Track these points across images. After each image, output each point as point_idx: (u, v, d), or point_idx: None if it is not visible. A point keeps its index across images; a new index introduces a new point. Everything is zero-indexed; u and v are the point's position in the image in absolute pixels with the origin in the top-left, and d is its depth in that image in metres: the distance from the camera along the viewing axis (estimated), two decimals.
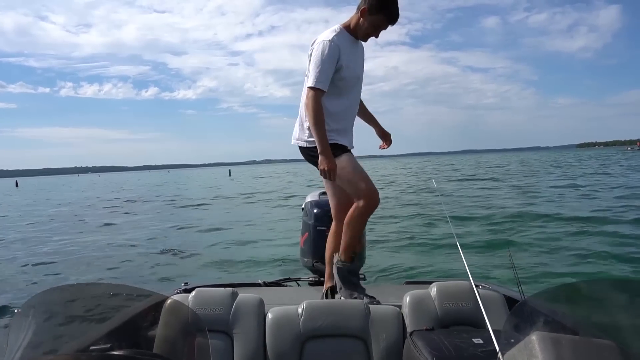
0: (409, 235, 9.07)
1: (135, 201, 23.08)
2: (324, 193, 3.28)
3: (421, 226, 10.11)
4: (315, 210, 3.09)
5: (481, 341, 1.50)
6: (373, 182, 2.51)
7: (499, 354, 0.92)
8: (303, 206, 3.25)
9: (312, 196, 3.23)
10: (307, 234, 3.12)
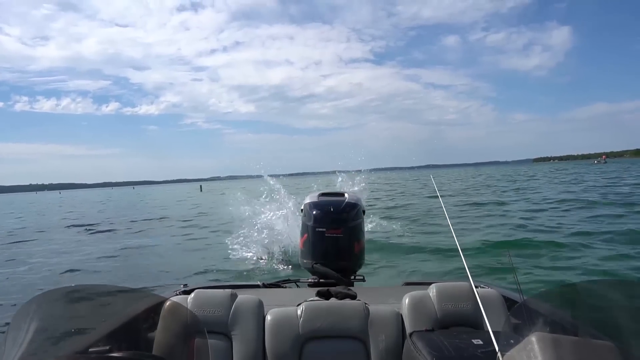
0: (407, 236, 9.06)
1: None
2: (324, 194, 3.26)
3: (420, 227, 10.11)
4: (314, 212, 3.07)
5: (481, 342, 1.49)
6: None
7: (499, 355, 0.92)
8: (302, 207, 3.23)
9: (311, 197, 3.20)
10: (306, 235, 3.11)
